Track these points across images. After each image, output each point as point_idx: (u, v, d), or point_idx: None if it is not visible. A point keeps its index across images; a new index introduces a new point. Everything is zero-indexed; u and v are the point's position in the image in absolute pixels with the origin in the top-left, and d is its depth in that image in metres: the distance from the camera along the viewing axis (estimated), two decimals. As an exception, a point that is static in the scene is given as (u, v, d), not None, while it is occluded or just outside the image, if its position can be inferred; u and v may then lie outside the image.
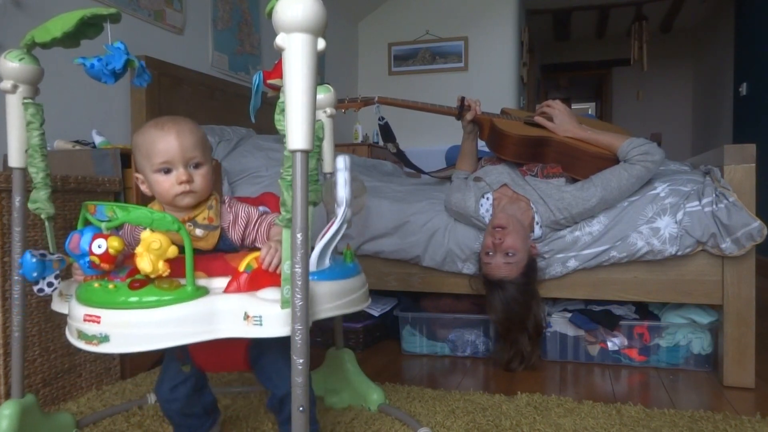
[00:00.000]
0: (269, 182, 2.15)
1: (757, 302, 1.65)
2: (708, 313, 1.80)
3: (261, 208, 1.18)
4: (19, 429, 1.15)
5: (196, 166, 1.05)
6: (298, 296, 0.87)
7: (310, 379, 1.06)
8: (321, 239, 1.10)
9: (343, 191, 1.13)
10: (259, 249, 0.99)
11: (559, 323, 1.89)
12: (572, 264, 1.76)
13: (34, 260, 1.02)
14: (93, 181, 1.60)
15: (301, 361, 0.88)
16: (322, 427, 1.32)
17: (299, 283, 0.87)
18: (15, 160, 1.16)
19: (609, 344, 1.86)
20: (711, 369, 1.80)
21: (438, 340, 2.00)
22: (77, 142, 1.95)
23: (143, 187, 1.08)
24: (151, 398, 1.46)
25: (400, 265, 1.96)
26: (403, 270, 1.97)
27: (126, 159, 1.73)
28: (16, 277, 1.18)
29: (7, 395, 1.34)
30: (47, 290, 1.05)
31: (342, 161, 1.14)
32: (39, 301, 1.47)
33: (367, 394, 1.45)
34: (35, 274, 1.03)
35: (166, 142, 1.02)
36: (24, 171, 1.17)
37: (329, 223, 1.12)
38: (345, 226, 1.13)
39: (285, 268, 0.90)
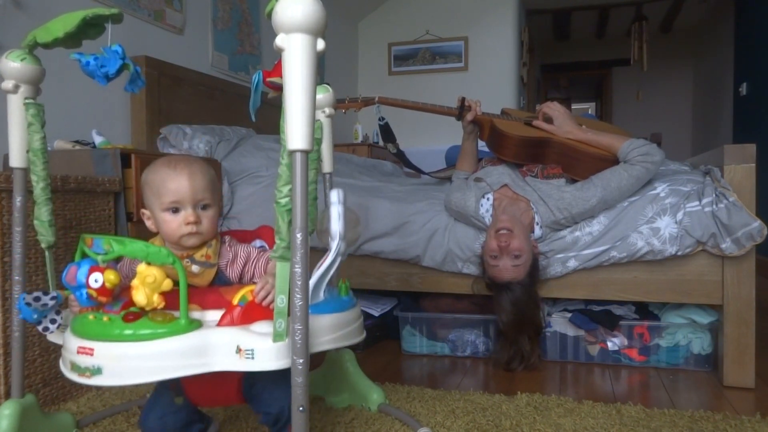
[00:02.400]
0: (269, 182, 2.15)
1: (757, 302, 1.65)
2: (708, 313, 1.80)
3: (257, 242, 1.19)
4: (19, 429, 1.15)
5: (204, 207, 1.05)
6: (298, 296, 0.87)
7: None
8: (316, 272, 1.10)
9: (337, 224, 1.14)
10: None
11: (559, 323, 1.89)
12: (572, 264, 1.76)
13: (30, 308, 1.02)
14: (93, 181, 1.60)
15: (301, 361, 0.87)
16: (322, 427, 1.32)
17: (299, 283, 0.87)
18: (16, 160, 1.16)
19: (609, 344, 1.86)
20: (711, 369, 1.80)
21: (438, 340, 2.00)
22: (77, 142, 1.95)
23: (149, 223, 1.09)
24: (152, 398, 1.46)
25: (400, 265, 1.96)
26: (403, 270, 1.97)
27: (126, 159, 1.73)
28: (17, 277, 1.18)
29: (7, 395, 1.34)
30: (51, 327, 1.05)
31: (336, 195, 1.15)
32: (39, 301, 1.47)
33: (367, 394, 1.45)
34: (35, 317, 1.03)
35: (177, 183, 1.02)
36: (25, 171, 1.17)
37: (324, 256, 1.12)
38: (339, 258, 1.13)
39: (278, 301, 0.90)
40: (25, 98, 1.13)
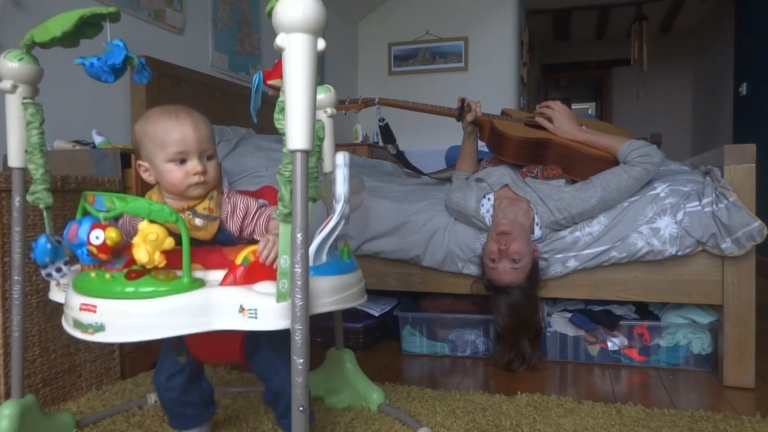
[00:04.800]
0: (269, 182, 2.14)
1: (757, 302, 1.65)
2: (708, 313, 1.80)
3: (260, 201, 1.19)
4: (19, 429, 1.15)
5: (209, 157, 1.06)
6: (298, 296, 0.87)
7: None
8: (318, 234, 1.10)
9: (341, 188, 1.14)
10: (257, 242, 0.99)
11: (559, 323, 1.89)
12: (572, 264, 1.76)
13: (48, 245, 1.02)
14: (93, 181, 1.60)
15: (301, 361, 0.87)
16: (322, 427, 1.32)
17: (299, 282, 0.87)
18: (15, 160, 1.15)
19: (609, 344, 1.86)
20: (711, 369, 1.79)
21: (438, 340, 1.99)
22: (77, 142, 1.95)
23: (146, 175, 1.08)
24: (151, 398, 1.46)
25: (400, 265, 1.96)
26: (403, 270, 1.97)
27: (126, 159, 1.73)
28: (16, 277, 1.18)
29: (7, 395, 1.34)
30: (55, 275, 1.05)
31: (341, 158, 1.14)
32: (39, 301, 1.47)
33: (367, 394, 1.44)
34: (47, 259, 1.03)
35: (182, 132, 1.02)
36: (24, 171, 1.17)
37: (327, 219, 1.12)
38: (343, 222, 1.13)
39: (281, 262, 0.90)
40: (24, 98, 1.13)
